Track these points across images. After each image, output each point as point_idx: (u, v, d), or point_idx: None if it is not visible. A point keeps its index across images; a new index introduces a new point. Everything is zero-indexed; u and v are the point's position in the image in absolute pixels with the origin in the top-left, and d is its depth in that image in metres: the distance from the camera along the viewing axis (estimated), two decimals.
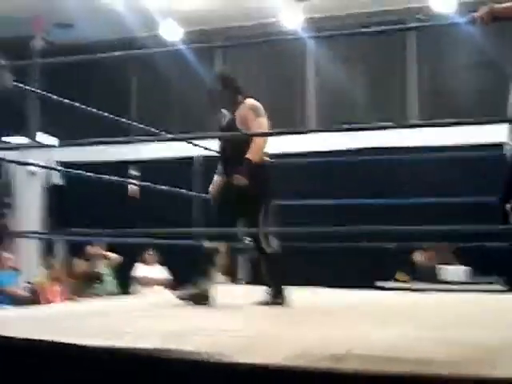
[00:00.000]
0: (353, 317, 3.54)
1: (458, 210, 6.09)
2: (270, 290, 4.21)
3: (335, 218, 6.41)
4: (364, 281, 6.64)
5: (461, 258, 7.80)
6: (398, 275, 8.00)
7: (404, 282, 7.92)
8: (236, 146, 4.11)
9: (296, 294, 4.18)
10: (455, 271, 7.65)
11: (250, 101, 4.25)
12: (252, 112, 4.17)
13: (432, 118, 9.04)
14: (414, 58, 9.31)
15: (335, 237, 5.43)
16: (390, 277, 7.94)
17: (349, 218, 6.35)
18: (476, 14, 2.89)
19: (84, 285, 7.90)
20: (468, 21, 2.95)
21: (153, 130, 5.27)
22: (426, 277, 7.83)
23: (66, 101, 4.39)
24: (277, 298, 4.15)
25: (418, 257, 8.08)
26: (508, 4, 2.86)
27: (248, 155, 4.04)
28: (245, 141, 4.10)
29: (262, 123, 4.13)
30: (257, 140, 4.09)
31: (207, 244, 4.13)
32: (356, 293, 5.14)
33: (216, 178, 4.46)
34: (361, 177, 7.90)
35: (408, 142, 7.42)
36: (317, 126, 9.65)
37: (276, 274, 4.30)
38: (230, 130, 4.19)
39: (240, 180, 4.04)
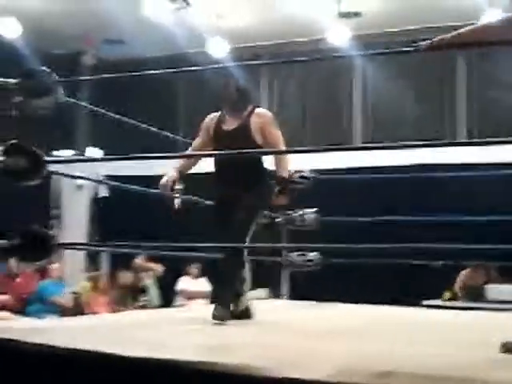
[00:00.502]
0: (399, 335, 3.49)
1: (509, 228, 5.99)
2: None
3: (383, 235, 6.38)
4: (411, 299, 6.56)
5: (506, 276, 7.66)
6: (445, 294, 7.89)
7: (451, 300, 7.80)
8: (246, 152, 3.97)
9: (342, 311, 4.15)
10: (504, 290, 7.50)
11: (266, 111, 4.25)
12: (272, 123, 4.14)
13: (482, 134, 8.94)
14: (463, 73, 9.21)
15: (382, 254, 5.37)
16: (436, 295, 7.83)
17: (398, 235, 6.33)
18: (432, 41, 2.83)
19: (128, 296, 7.97)
20: (422, 48, 2.86)
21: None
22: (474, 296, 7.70)
23: (115, 115, 4.46)
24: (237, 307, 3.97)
25: (465, 275, 7.95)
26: (463, 30, 2.79)
27: (282, 173, 4.04)
28: (252, 147, 3.99)
29: (281, 136, 4.12)
30: (286, 155, 4.14)
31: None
32: (401, 311, 5.08)
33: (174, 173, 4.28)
34: (411, 194, 7.81)
35: (459, 158, 7.33)
36: (363, 142, 9.59)
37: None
38: (238, 136, 4.03)
39: (282, 201, 4.09)
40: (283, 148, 4.14)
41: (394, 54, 7.78)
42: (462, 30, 2.80)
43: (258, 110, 4.15)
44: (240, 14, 8.84)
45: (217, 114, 4.20)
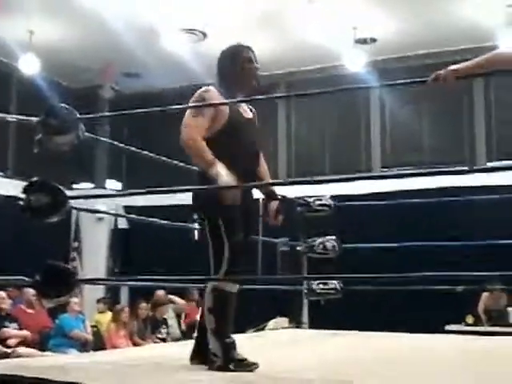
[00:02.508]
0: (424, 365, 3.45)
1: None
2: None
3: (404, 260, 6.35)
4: (434, 325, 6.51)
5: None
6: (468, 318, 7.82)
7: (474, 325, 7.73)
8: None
9: (366, 340, 4.11)
10: None
11: None
12: None
13: (500, 157, 8.90)
14: (481, 98, 9.19)
15: (401, 281, 5.34)
16: (459, 320, 7.76)
17: (418, 260, 6.30)
18: (440, 73, 2.79)
19: (148, 328, 7.96)
20: (431, 80, 2.81)
21: None
22: (497, 319, 7.65)
23: (133, 149, 4.51)
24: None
25: (487, 298, 7.89)
26: (476, 60, 2.78)
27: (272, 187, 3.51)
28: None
29: None
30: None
31: None
32: (424, 338, 5.03)
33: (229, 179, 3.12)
34: (432, 218, 7.76)
35: (478, 181, 7.29)
36: (382, 167, 9.59)
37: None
38: (258, 128, 3.48)
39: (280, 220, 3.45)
40: None
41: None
42: (473, 61, 2.80)
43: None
44: (256, 42, 8.89)
45: (217, 91, 3.32)
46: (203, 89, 3.32)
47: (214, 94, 3.27)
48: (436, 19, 8.15)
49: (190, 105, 3.29)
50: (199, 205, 3.32)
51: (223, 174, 3.06)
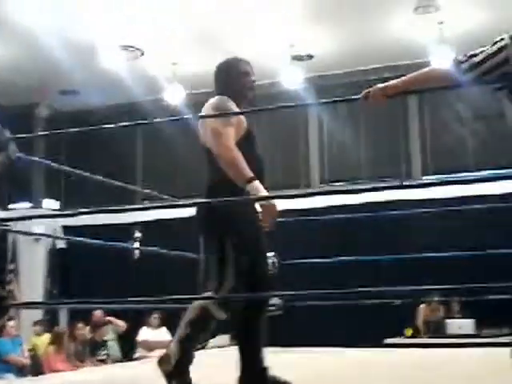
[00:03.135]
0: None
1: (465, 262, 6.08)
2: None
3: (342, 275, 6.41)
4: (373, 339, 6.58)
5: (466, 309, 7.74)
6: (407, 331, 7.92)
7: (413, 337, 7.84)
8: None
9: (308, 355, 4.12)
10: (461, 324, 7.57)
11: None
12: None
13: (435, 171, 9.11)
14: (415, 113, 9.39)
15: (340, 296, 5.38)
16: (398, 333, 7.85)
17: (356, 275, 6.36)
18: (369, 91, 2.80)
19: (87, 350, 7.82)
20: (361, 98, 2.82)
21: (156, 193, 5.29)
22: (435, 331, 7.77)
23: (70, 169, 4.45)
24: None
25: (424, 310, 8.02)
26: (407, 77, 2.78)
27: None
28: None
29: None
30: None
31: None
32: (363, 352, 5.07)
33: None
34: (369, 232, 7.86)
35: (412, 194, 7.42)
36: (321, 182, 9.68)
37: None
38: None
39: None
40: None
41: (348, 95, 7.88)
42: (403, 79, 2.81)
43: None
44: (193, 60, 8.92)
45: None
46: (219, 98, 3.29)
47: (231, 104, 3.25)
48: (372, 35, 8.29)
49: (213, 114, 3.22)
50: (216, 219, 3.09)
51: (262, 191, 2.99)
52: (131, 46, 8.50)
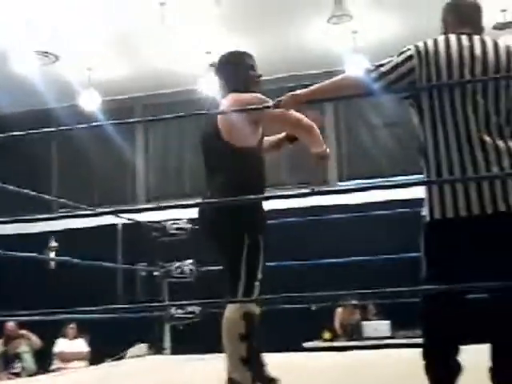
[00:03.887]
0: None
1: (381, 266, 6.22)
2: None
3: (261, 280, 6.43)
4: (292, 342, 6.64)
5: (382, 311, 7.92)
6: (325, 334, 8.02)
7: (330, 340, 7.95)
8: None
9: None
10: (377, 326, 7.73)
11: None
12: None
13: (350, 177, 9.31)
14: (331, 120, 9.54)
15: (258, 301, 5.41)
16: (317, 336, 7.95)
17: (272, 279, 6.40)
18: (281, 99, 2.82)
19: (1, 363, 7.59)
20: (273, 106, 2.86)
21: (71, 203, 5.19)
22: (352, 334, 7.90)
23: None
24: None
25: (341, 313, 8.15)
26: (320, 85, 2.78)
27: None
28: None
29: None
30: None
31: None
32: (282, 356, 5.11)
33: None
34: (286, 238, 7.93)
35: (327, 200, 7.53)
36: None
37: None
38: None
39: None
40: None
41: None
42: (316, 86, 2.80)
43: None
44: (110, 65, 8.82)
45: None
46: (240, 95, 3.26)
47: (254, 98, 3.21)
48: (289, 44, 8.40)
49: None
50: (240, 220, 3.07)
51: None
52: (46, 52, 8.32)
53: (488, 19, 8.02)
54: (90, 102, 9.03)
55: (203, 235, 3.25)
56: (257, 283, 3.12)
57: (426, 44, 2.64)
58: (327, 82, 2.78)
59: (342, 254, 6.20)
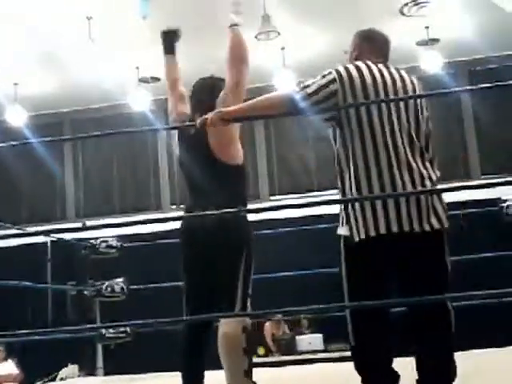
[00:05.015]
0: None
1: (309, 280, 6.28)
2: None
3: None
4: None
5: (315, 324, 7.97)
6: (259, 349, 8.01)
7: (265, 355, 7.94)
8: None
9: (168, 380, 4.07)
10: (310, 340, 7.77)
11: None
12: None
13: (281, 192, 9.39)
14: (262, 135, 9.61)
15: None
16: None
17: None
18: (207, 117, 2.86)
19: None
20: (199, 123, 2.89)
21: None
22: (286, 348, 7.89)
23: None
24: None
25: (270, 328, 8.14)
26: (246, 103, 2.87)
27: None
28: None
29: None
30: None
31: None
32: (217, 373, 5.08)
33: None
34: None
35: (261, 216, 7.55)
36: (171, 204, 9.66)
37: None
38: None
39: None
40: None
41: None
42: (242, 105, 2.88)
43: None
44: (37, 81, 8.66)
45: None
46: None
47: None
48: (218, 58, 8.33)
49: None
50: (239, 236, 3.21)
51: None
52: None
53: (412, 35, 8.24)
54: (17, 118, 8.85)
55: (193, 249, 3.28)
56: (249, 299, 3.20)
57: (347, 69, 2.75)
58: (254, 100, 2.81)
59: (270, 269, 6.23)
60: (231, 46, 3.35)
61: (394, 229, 2.56)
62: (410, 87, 2.80)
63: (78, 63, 7.95)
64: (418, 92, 2.82)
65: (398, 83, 2.77)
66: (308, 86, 2.73)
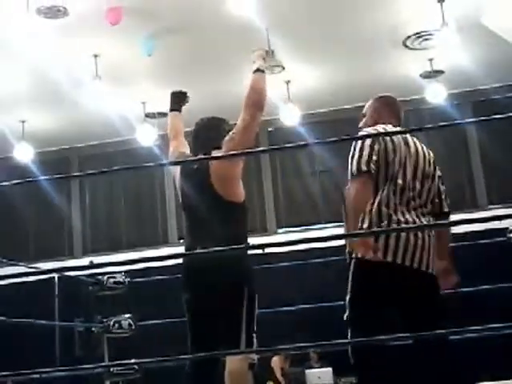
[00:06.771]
0: None
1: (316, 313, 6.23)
2: None
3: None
4: None
5: (324, 358, 7.90)
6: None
7: None
8: None
9: None
10: (320, 374, 7.68)
11: None
12: None
13: (287, 225, 9.37)
14: (268, 167, 9.62)
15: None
16: None
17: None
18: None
19: None
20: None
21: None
22: (294, 383, 7.82)
23: None
24: None
25: (279, 362, 8.07)
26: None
27: None
28: None
29: None
30: None
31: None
32: None
33: None
34: None
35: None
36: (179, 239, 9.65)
37: None
38: None
39: None
40: None
41: None
42: None
43: None
44: (45, 117, 8.74)
45: None
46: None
47: None
48: (222, 95, 8.41)
49: None
50: (233, 272, 3.20)
51: None
52: None
53: (416, 68, 8.29)
54: (24, 155, 8.90)
55: (194, 290, 3.30)
56: (255, 334, 3.19)
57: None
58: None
59: (275, 302, 6.21)
60: (251, 88, 3.43)
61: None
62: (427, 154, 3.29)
63: (84, 100, 8.02)
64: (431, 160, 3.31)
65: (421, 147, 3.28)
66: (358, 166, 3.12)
